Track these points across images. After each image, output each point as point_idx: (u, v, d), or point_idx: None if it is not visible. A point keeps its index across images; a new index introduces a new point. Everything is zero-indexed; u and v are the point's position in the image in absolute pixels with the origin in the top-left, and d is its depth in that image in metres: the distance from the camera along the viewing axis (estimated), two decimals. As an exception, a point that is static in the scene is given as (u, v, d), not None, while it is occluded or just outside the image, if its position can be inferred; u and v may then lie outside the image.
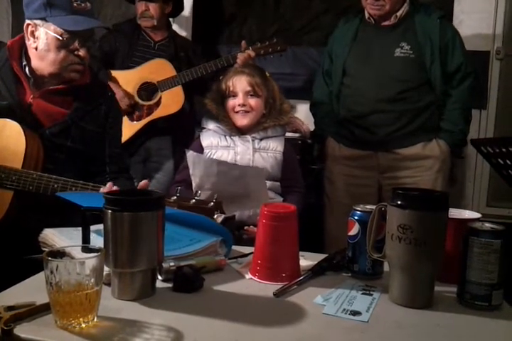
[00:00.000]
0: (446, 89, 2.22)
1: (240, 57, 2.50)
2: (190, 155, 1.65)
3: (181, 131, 2.75)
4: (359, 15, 2.33)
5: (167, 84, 2.60)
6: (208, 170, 1.62)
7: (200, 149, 1.93)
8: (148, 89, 2.64)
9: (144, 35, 2.75)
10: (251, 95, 1.94)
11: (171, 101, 2.62)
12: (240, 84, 1.93)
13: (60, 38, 1.55)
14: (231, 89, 1.93)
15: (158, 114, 2.62)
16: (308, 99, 3.05)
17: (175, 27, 3.20)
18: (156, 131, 2.68)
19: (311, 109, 2.50)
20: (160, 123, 2.65)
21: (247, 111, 1.93)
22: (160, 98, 2.62)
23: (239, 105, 1.92)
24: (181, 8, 2.90)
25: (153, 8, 2.69)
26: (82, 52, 1.60)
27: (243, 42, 2.59)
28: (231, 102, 1.95)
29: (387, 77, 2.21)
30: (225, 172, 1.62)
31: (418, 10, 2.24)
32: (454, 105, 2.21)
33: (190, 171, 1.65)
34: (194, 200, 1.39)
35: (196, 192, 1.44)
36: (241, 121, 1.93)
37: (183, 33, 3.22)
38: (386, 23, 2.25)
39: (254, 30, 3.28)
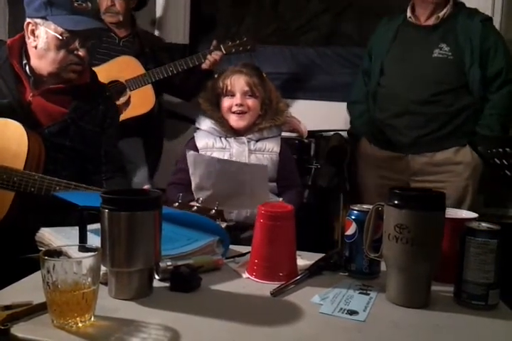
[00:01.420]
0: (485, 94, 2.17)
1: (208, 61, 2.50)
2: (191, 154, 1.64)
3: (151, 132, 2.70)
4: (401, 15, 2.31)
5: (136, 82, 2.50)
6: (209, 168, 1.61)
7: (195, 150, 1.92)
8: (116, 89, 2.53)
9: (108, 31, 2.64)
10: (249, 95, 1.93)
11: (141, 101, 2.53)
12: (237, 83, 1.91)
13: (60, 38, 1.55)
14: (228, 88, 1.92)
15: (128, 114, 2.51)
16: (305, 98, 3.07)
17: (171, 27, 3.19)
18: (127, 132, 2.53)
19: (348, 107, 2.50)
20: (130, 124, 2.52)
21: (243, 112, 1.91)
22: (129, 98, 2.52)
23: (236, 105, 1.90)
24: (145, 2, 2.82)
25: (118, 4, 2.59)
26: (81, 53, 1.60)
27: (214, 42, 2.57)
28: (227, 102, 1.93)
29: (422, 77, 2.18)
30: (227, 170, 1.61)
31: (461, 12, 2.20)
32: (491, 110, 2.16)
33: (191, 171, 1.64)
34: (196, 207, 1.40)
35: (198, 199, 1.45)
36: (237, 123, 1.92)
37: (180, 34, 3.21)
38: (427, 23, 2.23)
39: (251, 30, 3.27)
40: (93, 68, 2.49)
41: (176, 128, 3.10)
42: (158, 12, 3.18)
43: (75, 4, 1.55)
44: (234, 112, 1.91)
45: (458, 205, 2.14)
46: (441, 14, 2.19)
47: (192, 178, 1.64)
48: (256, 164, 1.83)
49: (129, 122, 2.50)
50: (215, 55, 2.52)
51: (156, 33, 3.16)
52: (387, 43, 2.29)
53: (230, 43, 2.55)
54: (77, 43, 1.58)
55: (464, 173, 2.20)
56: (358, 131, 2.45)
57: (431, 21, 2.22)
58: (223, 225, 1.32)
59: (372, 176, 2.37)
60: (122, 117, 2.45)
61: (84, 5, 1.57)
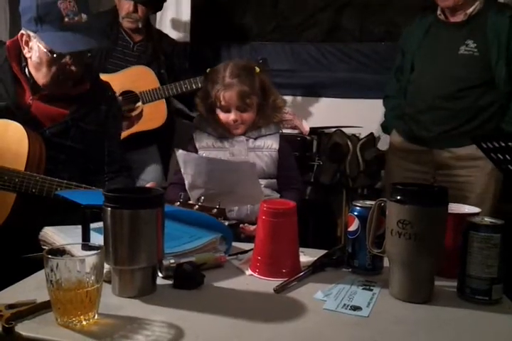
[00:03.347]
0: (511, 91, 2.17)
1: None
2: (180, 154, 1.64)
3: (163, 139, 2.69)
4: (434, 13, 2.32)
5: (150, 96, 2.47)
6: (198, 168, 1.61)
7: (194, 150, 1.90)
8: (130, 99, 2.50)
9: (124, 34, 2.60)
10: (243, 109, 1.88)
11: (153, 116, 2.49)
12: (230, 99, 1.86)
13: (50, 55, 1.52)
14: (222, 103, 1.87)
15: (139, 127, 2.49)
16: (306, 95, 3.07)
17: (173, 26, 3.18)
18: (143, 143, 2.56)
19: (383, 102, 2.55)
20: (140, 137, 2.51)
21: (240, 124, 1.89)
22: (142, 110, 2.49)
23: (232, 120, 1.88)
24: (161, 6, 2.77)
25: (141, 10, 2.53)
26: (73, 68, 1.56)
27: None
28: (223, 116, 1.89)
29: (448, 74, 2.20)
30: (216, 169, 1.61)
31: (492, 8, 2.20)
32: None
33: (182, 170, 1.64)
34: (197, 206, 1.41)
35: (199, 198, 1.45)
36: (234, 131, 1.90)
37: (181, 32, 3.21)
38: (456, 19, 2.24)
39: (252, 26, 3.27)
40: (107, 75, 2.41)
41: (185, 128, 3.09)
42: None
43: (66, 19, 1.48)
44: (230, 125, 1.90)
45: (481, 200, 2.18)
46: (468, 11, 2.19)
47: (184, 177, 1.64)
48: (244, 162, 1.81)
49: (144, 133, 2.50)
50: None
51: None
52: (418, 41, 2.33)
53: None
54: (67, 59, 1.54)
55: (486, 168, 2.20)
56: (389, 124, 2.50)
57: (459, 18, 2.23)
58: (225, 224, 1.33)
59: (399, 168, 2.41)
60: (133, 130, 2.48)
61: (76, 18, 1.49)
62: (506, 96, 2.18)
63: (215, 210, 1.39)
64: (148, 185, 1.53)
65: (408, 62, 2.35)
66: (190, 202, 1.56)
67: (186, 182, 1.64)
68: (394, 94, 2.45)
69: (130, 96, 2.50)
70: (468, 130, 2.19)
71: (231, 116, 1.87)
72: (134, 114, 2.49)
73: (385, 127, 2.55)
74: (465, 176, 2.24)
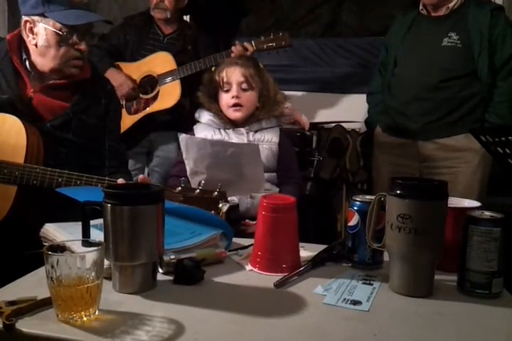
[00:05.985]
0: (494, 81, 2.20)
1: (235, 50, 2.45)
2: (183, 138, 1.65)
3: (184, 127, 2.74)
4: (416, 9, 2.37)
5: (166, 77, 2.58)
6: (201, 151, 1.61)
7: None
8: (149, 83, 2.62)
9: (155, 28, 2.73)
10: (245, 88, 1.92)
11: (167, 96, 2.59)
12: (233, 75, 1.91)
13: (60, 33, 1.55)
14: (224, 80, 1.92)
15: (154, 107, 2.60)
16: (306, 90, 3.07)
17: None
18: (161, 125, 2.66)
19: (366, 98, 2.57)
20: (161, 117, 2.62)
21: (240, 105, 1.91)
22: (158, 92, 2.60)
23: (232, 97, 1.90)
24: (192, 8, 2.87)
25: (167, 0, 2.66)
26: (82, 47, 1.60)
27: (237, 42, 2.53)
28: (225, 97, 1.93)
29: (432, 65, 2.23)
30: (220, 152, 1.61)
31: (472, 2, 2.24)
32: (500, 98, 2.19)
33: (184, 155, 1.65)
34: (198, 190, 1.40)
35: (199, 182, 1.45)
36: (234, 114, 1.92)
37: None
38: (438, 13, 2.28)
39: (251, 22, 3.26)
40: (133, 63, 2.62)
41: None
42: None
43: None
44: (232, 106, 1.91)
45: (467, 192, 2.16)
46: (450, 5, 2.24)
47: (186, 162, 1.64)
48: (247, 143, 1.83)
49: (159, 115, 2.61)
50: (246, 45, 2.46)
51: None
52: (402, 36, 2.36)
53: (262, 38, 2.51)
54: (75, 38, 1.58)
55: (473, 160, 2.23)
56: (373, 120, 2.52)
57: (441, 12, 2.27)
58: (226, 206, 1.32)
59: (386, 163, 2.42)
60: (148, 110, 2.60)
61: None
62: (488, 87, 2.20)
63: (216, 193, 1.37)
64: (140, 176, 1.56)
65: (391, 57, 2.38)
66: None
67: (188, 168, 1.63)
68: (377, 90, 2.47)
69: (150, 80, 2.61)
70: (452, 120, 2.23)
71: (232, 93, 1.89)
72: (150, 95, 2.61)
73: (369, 123, 2.56)
74: (450, 168, 2.25)
